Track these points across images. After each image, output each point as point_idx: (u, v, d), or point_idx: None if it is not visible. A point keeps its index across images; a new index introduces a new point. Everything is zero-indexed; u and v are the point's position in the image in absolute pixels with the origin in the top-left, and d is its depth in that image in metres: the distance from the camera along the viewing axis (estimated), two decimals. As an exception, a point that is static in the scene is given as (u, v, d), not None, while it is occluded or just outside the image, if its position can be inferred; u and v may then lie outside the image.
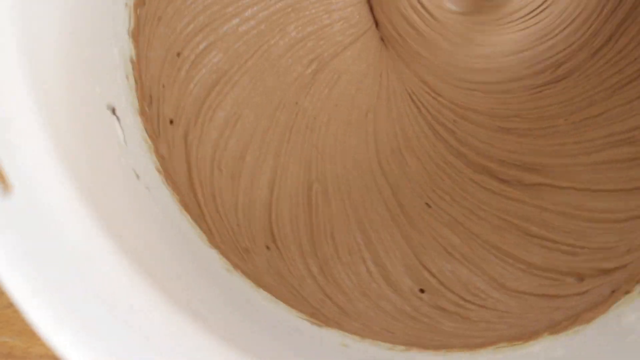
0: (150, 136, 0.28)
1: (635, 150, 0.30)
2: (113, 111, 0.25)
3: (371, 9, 0.33)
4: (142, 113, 0.28)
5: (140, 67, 0.29)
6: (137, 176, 0.25)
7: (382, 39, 0.34)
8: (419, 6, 0.32)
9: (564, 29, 0.31)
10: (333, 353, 0.26)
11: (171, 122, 0.29)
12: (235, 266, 0.28)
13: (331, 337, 0.27)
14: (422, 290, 0.29)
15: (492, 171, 0.31)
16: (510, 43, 0.32)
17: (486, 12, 0.32)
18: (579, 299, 0.29)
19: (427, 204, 0.31)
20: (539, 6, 0.31)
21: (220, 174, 0.29)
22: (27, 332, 0.30)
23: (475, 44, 0.32)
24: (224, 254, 0.28)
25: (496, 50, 0.32)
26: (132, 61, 0.28)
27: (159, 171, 0.28)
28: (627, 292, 0.28)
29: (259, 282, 0.28)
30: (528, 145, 0.31)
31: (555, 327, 0.28)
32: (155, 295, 0.19)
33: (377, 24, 0.34)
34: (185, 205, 0.28)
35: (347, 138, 0.31)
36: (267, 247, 0.29)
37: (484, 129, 0.32)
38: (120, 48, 0.28)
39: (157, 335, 0.18)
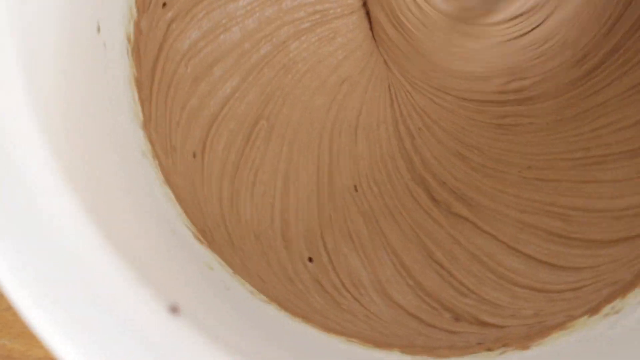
0: (137, 6, 0.29)
1: (564, 228, 0.29)
2: (104, -37, 0.26)
3: None
4: (139, -16, 0.29)
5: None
6: (99, 29, 0.26)
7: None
8: None
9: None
10: (195, 268, 0.27)
11: (164, 5, 0.30)
12: (155, 155, 0.29)
13: (205, 255, 0.28)
14: (310, 259, 0.30)
15: (430, 187, 0.31)
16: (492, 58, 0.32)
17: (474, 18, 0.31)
18: (446, 335, 0.29)
19: (355, 186, 0.31)
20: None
21: (185, 71, 0.30)
22: (25, 334, 0.31)
23: (454, 51, 0.32)
24: (150, 139, 0.29)
25: (471, 68, 0.32)
26: None
27: (128, 40, 0.29)
28: (489, 350, 0.28)
29: (168, 179, 0.29)
30: (474, 179, 0.31)
31: (409, 349, 0.28)
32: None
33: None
34: (139, 82, 0.29)
35: (314, 95, 0.32)
36: (194, 155, 0.30)
37: (443, 147, 0.32)
38: None
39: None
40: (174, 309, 0.19)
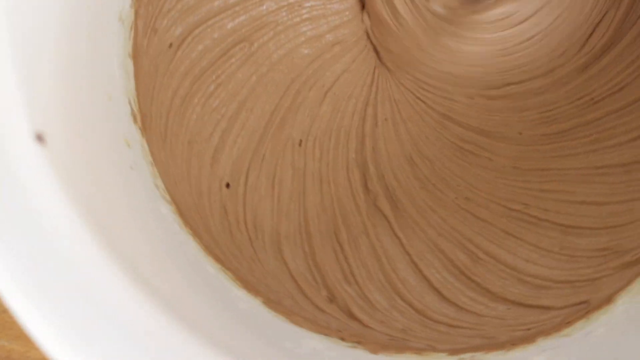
0: None
1: (469, 267, 0.29)
2: None
3: None
4: None
5: None
6: None
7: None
8: None
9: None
10: (111, 136, 0.27)
11: None
12: (134, 27, 0.29)
13: (131, 133, 0.28)
14: (228, 185, 0.30)
15: (367, 174, 0.31)
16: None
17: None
18: (313, 309, 0.29)
19: (300, 141, 0.31)
20: None
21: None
22: (25, 336, 0.29)
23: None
24: (137, 12, 0.29)
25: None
26: None
27: None
28: (342, 339, 0.28)
29: (135, 56, 0.30)
30: (412, 186, 0.31)
31: (273, 304, 0.28)
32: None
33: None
34: None
35: (304, 43, 0.32)
36: (170, 45, 0.30)
37: (398, 146, 0.32)
38: None
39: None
40: (39, 138, 0.20)
